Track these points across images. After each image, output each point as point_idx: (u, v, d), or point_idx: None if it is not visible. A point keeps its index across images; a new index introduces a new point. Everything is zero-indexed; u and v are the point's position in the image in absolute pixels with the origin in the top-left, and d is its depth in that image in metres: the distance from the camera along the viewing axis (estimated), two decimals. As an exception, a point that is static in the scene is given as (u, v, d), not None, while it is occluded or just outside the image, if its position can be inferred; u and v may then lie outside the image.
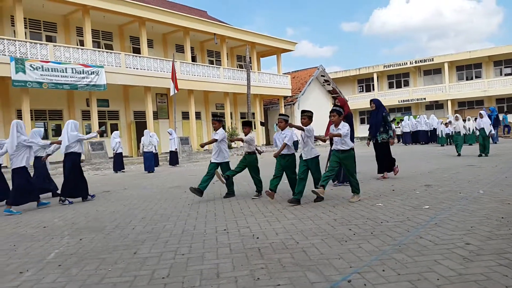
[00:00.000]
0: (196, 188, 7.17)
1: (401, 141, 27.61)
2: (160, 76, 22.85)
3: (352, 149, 6.33)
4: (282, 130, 6.94)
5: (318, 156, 6.57)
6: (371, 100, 9.42)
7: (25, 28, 19.19)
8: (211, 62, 29.86)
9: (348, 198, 6.67)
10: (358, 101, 42.95)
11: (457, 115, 14.98)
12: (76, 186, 8.02)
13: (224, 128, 7.66)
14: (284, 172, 6.86)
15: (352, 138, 7.58)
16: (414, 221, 4.78)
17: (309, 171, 6.57)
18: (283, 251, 3.85)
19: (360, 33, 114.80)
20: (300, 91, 33.27)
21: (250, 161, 7.46)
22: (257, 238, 4.40)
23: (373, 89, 43.47)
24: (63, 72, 18.73)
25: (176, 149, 17.90)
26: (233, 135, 26.11)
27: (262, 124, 31.66)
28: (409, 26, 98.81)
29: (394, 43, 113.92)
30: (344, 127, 6.21)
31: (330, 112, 6.32)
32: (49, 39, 21.22)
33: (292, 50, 33.47)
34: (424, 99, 40.29)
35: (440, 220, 4.73)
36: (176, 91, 21.38)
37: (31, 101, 18.38)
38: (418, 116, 28.63)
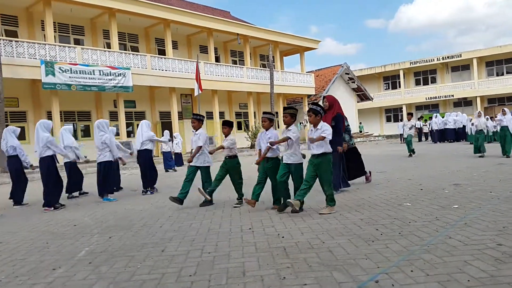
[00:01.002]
0: (175, 198, 6.70)
1: (429, 139, 27.09)
2: (184, 77, 23.13)
3: (330, 153, 5.54)
4: (266, 130, 6.25)
5: (302, 163, 5.85)
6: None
7: (54, 32, 19.77)
8: (235, 62, 29.99)
9: (372, 198, 6.59)
10: (384, 98, 42.36)
11: (480, 111, 14.31)
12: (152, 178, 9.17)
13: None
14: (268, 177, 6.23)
15: (339, 142, 6.95)
16: (443, 220, 4.68)
17: (291, 177, 5.90)
18: (309, 251, 3.83)
19: (386, 30, 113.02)
20: (324, 90, 33.01)
21: (231, 166, 6.74)
22: (283, 237, 4.40)
23: (399, 86, 42.71)
24: (91, 74, 19.20)
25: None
26: (257, 135, 26.13)
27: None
28: (436, 22, 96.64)
29: (421, 40, 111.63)
30: (324, 128, 5.47)
31: (307, 112, 5.63)
32: (77, 42, 21.79)
33: (315, 48, 33.25)
34: (452, 96, 39.32)
35: (470, 220, 4.61)
36: (200, 92, 21.59)
37: (61, 102, 18.91)
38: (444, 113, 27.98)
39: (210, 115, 26.58)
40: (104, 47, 22.25)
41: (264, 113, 6.33)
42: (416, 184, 7.72)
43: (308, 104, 32.45)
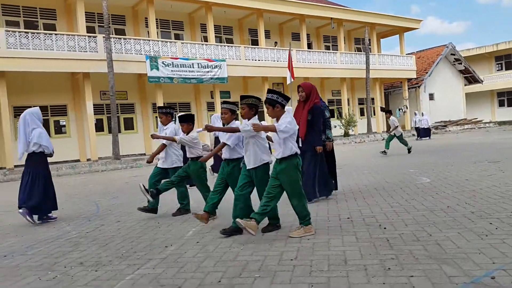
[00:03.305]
0: (145, 208, 5.74)
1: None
2: (276, 65, 23.34)
3: (295, 155, 4.16)
4: (227, 124, 4.92)
5: (267, 163, 4.48)
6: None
7: (156, 28, 21.22)
8: (327, 48, 29.40)
9: (484, 190, 6.02)
10: (495, 80, 38.19)
11: None
12: None
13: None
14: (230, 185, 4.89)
15: (317, 139, 5.81)
16: None
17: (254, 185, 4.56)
18: (415, 243, 3.65)
19: (498, 5, 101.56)
20: (427, 72, 30.86)
21: (193, 170, 5.51)
22: (385, 228, 4.24)
23: (514, 67, 38.15)
24: (190, 67, 20.33)
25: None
26: (351, 122, 25.44)
27: (382, 109, 30.16)
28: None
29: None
30: (285, 120, 4.13)
31: (264, 103, 4.35)
32: (177, 37, 23.16)
33: (416, 28, 31.11)
34: None
35: None
36: (292, 80, 21.60)
37: (164, 94, 20.33)
38: None
39: (302, 103, 26.50)
40: (202, 41, 23.33)
41: (223, 103, 4.97)
42: (537, 175, 6.88)
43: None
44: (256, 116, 4.57)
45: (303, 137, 5.77)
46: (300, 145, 5.55)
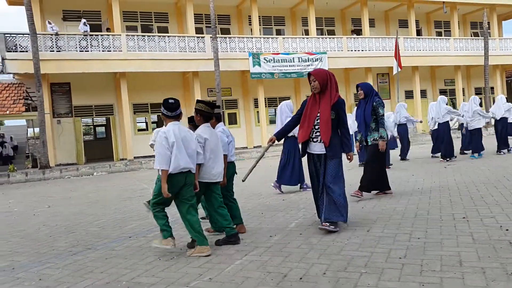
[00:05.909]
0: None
1: None
2: (381, 55, 22.33)
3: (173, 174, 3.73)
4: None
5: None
6: (357, 86, 6.19)
7: (259, 25, 21.74)
8: (439, 34, 27.21)
9: None
10: None
11: None
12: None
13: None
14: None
15: (349, 144, 4.52)
16: None
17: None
18: (545, 248, 3.24)
19: None
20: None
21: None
22: (507, 230, 3.84)
23: None
24: (290, 62, 20.49)
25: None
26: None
27: (504, 100, 27.05)
28: None
29: None
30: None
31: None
32: (278, 32, 23.43)
33: (548, 5, 27.19)
34: None
35: None
36: (399, 69, 20.49)
37: (265, 90, 20.80)
38: None
39: (409, 94, 25.03)
40: (303, 34, 23.30)
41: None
42: None
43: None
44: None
45: (328, 143, 4.31)
46: (325, 152, 4.36)
